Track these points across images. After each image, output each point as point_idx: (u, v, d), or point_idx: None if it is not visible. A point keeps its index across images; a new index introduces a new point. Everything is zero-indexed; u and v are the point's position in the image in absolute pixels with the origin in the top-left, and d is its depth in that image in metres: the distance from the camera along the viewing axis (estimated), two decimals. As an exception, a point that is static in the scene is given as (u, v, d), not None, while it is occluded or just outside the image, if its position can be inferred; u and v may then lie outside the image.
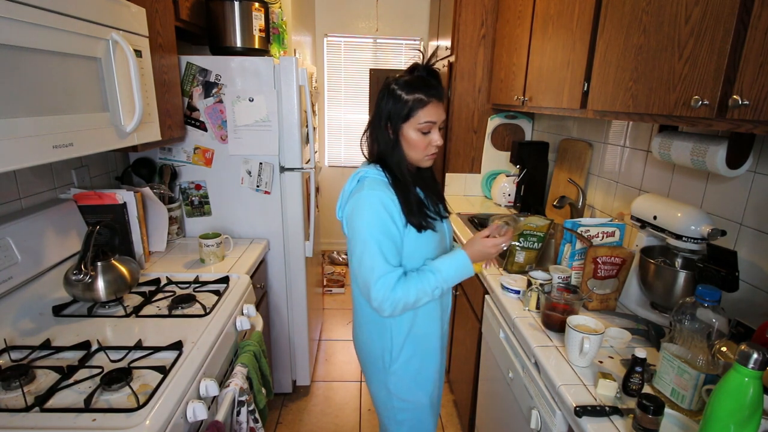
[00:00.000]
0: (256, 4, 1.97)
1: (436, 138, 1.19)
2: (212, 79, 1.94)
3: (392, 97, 1.16)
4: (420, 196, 1.24)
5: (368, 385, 1.41)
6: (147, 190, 1.72)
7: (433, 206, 1.27)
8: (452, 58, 2.75)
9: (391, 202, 1.16)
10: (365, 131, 1.25)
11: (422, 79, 1.16)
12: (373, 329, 1.30)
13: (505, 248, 1.20)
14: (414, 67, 1.19)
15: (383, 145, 1.20)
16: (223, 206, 2.11)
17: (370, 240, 1.13)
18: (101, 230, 1.36)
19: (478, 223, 2.36)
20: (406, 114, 1.15)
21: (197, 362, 1.15)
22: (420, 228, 1.19)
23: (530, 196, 2.51)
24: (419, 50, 1.29)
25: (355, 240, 1.16)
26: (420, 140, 1.17)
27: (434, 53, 1.19)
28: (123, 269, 1.40)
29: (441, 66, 3.09)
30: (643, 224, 1.44)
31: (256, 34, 2.01)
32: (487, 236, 1.19)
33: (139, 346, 1.18)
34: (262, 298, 2.03)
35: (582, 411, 0.96)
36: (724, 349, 0.95)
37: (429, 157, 1.22)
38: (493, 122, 2.80)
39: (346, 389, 2.55)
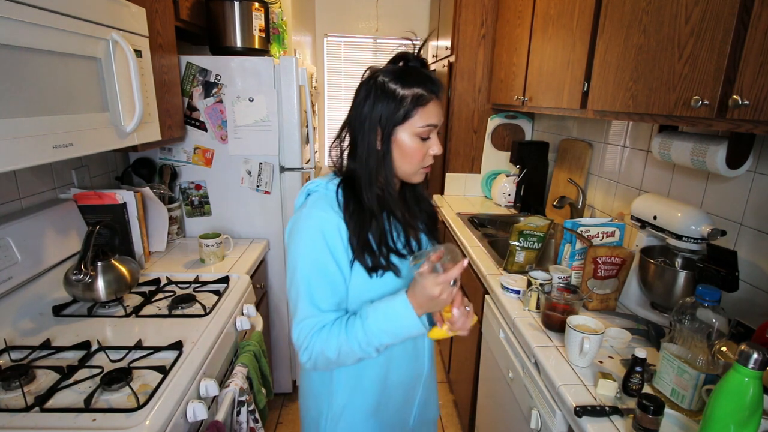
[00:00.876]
0: (256, 4, 1.97)
1: (435, 146, 0.94)
2: (212, 79, 1.94)
3: (383, 92, 0.89)
4: (384, 226, 0.94)
5: None
6: (147, 190, 1.72)
7: (406, 239, 0.97)
8: (452, 58, 2.75)
9: (335, 229, 0.90)
10: (336, 138, 0.98)
11: (418, 71, 0.91)
12: (315, 376, 1.04)
13: (452, 285, 0.86)
14: (403, 56, 0.93)
15: (366, 157, 0.92)
16: (223, 206, 2.11)
17: (298, 273, 0.90)
18: (101, 230, 1.36)
19: (478, 223, 2.36)
20: (403, 114, 0.89)
21: (197, 362, 1.15)
22: (373, 270, 0.91)
23: (530, 196, 2.51)
24: (411, 39, 0.96)
25: (287, 267, 0.94)
26: (418, 148, 0.92)
27: (426, 41, 1.03)
28: (123, 269, 1.40)
29: (441, 66, 3.09)
30: (643, 224, 1.44)
31: (256, 34, 2.01)
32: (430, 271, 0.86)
33: (139, 346, 1.18)
34: (262, 298, 2.03)
35: (582, 411, 0.96)
36: (724, 349, 0.94)
37: (424, 170, 0.97)
38: (493, 122, 2.80)
39: (346, 389, 2.55)
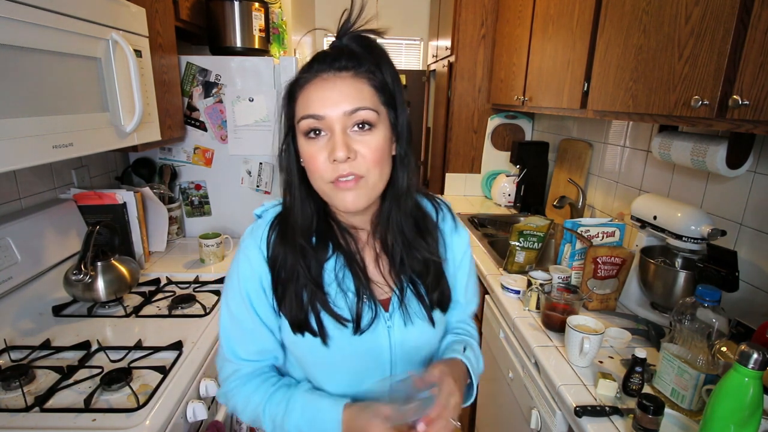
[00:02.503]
0: (256, 4, 1.97)
1: (335, 144, 0.64)
2: (212, 79, 1.94)
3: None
4: (315, 275, 0.71)
5: None
6: (147, 190, 1.72)
7: (358, 296, 0.72)
8: (452, 58, 2.75)
9: (253, 272, 0.73)
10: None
11: (328, 49, 0.69)
12: None
13: None
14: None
15: (282, 169, 0.75)
16: (223, 206, 2.10)
17: (219, 316, 0.79)
18: (101, 230, 1.36)
19: (478, 223, 2.36)
20: (286, 110, 0.71)
21: (197, 362, 1.15)
22: (297, 329, 0.72)
23: (530, 196, 2.51)
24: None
25: None
26: (308, 152, 0.67)
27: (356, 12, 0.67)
28: (123, 269, 1.40)
29: (441, 66, 3.09)
30: (643, 224, 1.44)
31: (256, 34, 2.01)
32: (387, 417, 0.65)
33: (139, 346, 1.18)
34: (262, 298, 2.03)
35: (582, 411, 0.96)
36: (724, 349, 0.94)
37: (336, 185, 0.66)
38: (493, 122, 2.80)
39: (346, 389, 2.54)
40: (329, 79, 0.65)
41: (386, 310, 0.75)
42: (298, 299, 0.71)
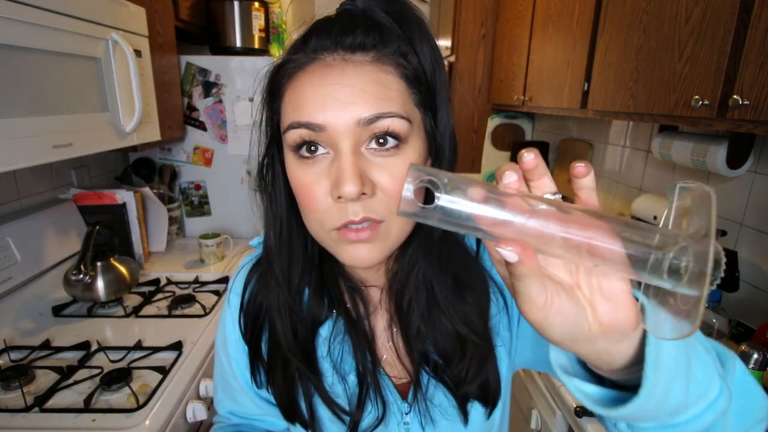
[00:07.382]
0: (256, 4, 1.97)
1: (341, 172, 0.40)
2: (212, 79, 1.93)
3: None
4: (302, 342, 0.52)
5: None
6: (147, 190, 1.72)
7: (360, 382, 0.51)
8: (452, 58, 2.75)
9: (230, 318, 0.58)
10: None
11: (334, 15, 0.45)
12: None
13: None
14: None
15: (263, 193, 0.54)
16: (223, 206, 2.11)
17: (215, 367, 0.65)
18: (101, 230, 1.36)
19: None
20: (271, 107, 0.49)
21: (197, 362, 1.15)
22: (284, 414, 0.54)
23: (530, 196, 2.51)
24: None
25: None
26: (298, 179, 0.44)
27: None
28: (123, 269, 1.40)
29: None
30: (643, 224, 1.44)
31: (256, 34, 2.01)
32: None
33: (138, 346, 1.18)
34: (262, 298, 2.03)
35: (582, 411, 0.96)
36: (724, 349, 0.95)
37: (344, 236, 0.42)
38: (493, 122, 2.80)
39: (346, 389, 2.54)
40: (335, 65, 0.41)
41: (404, 398, 0.52)
42: (286, 375, 0.52)
